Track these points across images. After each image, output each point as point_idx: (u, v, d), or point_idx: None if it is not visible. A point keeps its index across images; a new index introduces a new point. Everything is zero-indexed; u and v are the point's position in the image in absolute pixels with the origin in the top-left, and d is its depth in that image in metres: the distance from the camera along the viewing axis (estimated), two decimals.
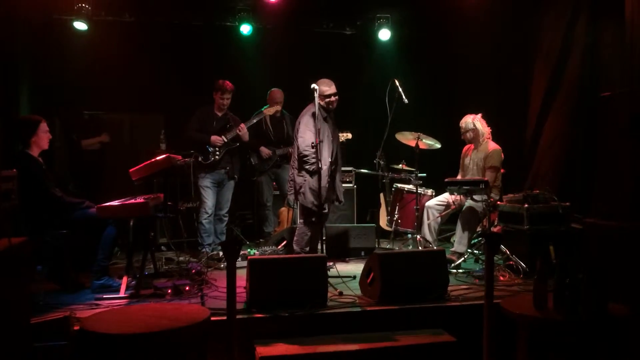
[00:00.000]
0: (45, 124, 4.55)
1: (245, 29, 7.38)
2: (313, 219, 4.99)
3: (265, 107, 6.19)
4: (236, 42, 7.55)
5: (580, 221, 4.68)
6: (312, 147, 4.81)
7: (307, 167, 4.92)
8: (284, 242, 5.87)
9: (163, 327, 2.84)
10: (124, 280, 4.34)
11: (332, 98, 5.04)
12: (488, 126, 5.72)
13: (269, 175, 6.55)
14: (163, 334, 2.81)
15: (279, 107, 6.32)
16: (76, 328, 3.32)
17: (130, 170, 4.63)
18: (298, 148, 4.98)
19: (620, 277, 3.57)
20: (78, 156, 6.34)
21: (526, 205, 4.93)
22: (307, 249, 5.10)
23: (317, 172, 4.78)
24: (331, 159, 4.98)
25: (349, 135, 6.31)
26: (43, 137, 4.52)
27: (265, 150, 6.42)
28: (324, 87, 4.99)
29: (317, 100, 4.84)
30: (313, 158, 4.82)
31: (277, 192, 6.65)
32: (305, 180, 4.94)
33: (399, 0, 7.29)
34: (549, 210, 4.97)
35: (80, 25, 6.78)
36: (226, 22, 7.45)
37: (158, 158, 4.71)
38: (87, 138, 6.38)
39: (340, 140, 6.01)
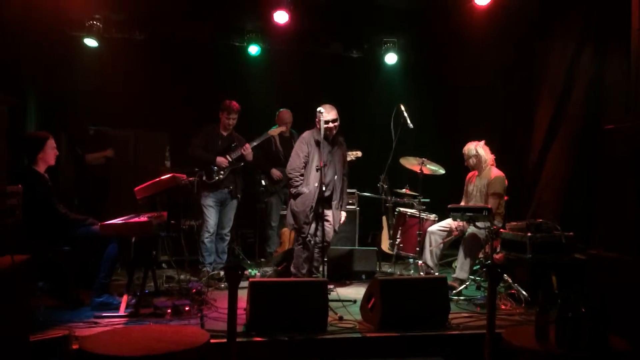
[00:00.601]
0: (52, 140, 4.58)
1: (254, 49, 7.46)
2: (300, 241, 5.14)
3: (274, 127, 6.22)
4: (244, 63, 7.62)
5: (584, 251, 4.66)
6: (297, 171, 5.07)
7: (291, 190, 5.16)
8: (285, 264, 5.86)
9: (163, 350, 2.82)
10: (124, 298, 4.34)
11: (330, 124, 5.05)
12: (492, 153, 5.74)
13: (279, 196, 6.55)
14: (162, 357, 2.79)
15: (284, 128, 6.35)
16: (75, 347, 3.31)
17: (135, 189, 4.65)
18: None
19: (622, 310, 3.55)
20: (83, 171, 6.37)
21: (529, 234, 4.92)
22: (304, 271, 5.11)
23: (299, 195, 5.04)
24: (319, 184, 4.96)
25: (359, 154, 6.32)
26: (50, 154, 4.55)
27: (276, 172, 6.43)
28: (322, 113, 5.03)
29: (322, 123, 4.89)
30: (296, 181, 5.08)
31: (285, 212, 6.64)
32: (290, 204, 5.15)
33: (406, 25, 7.36)
34: (552, 239, 4.95)
35: (90, 42, 6.86)
36: (235, 42, 7.53)
37: (163, 177, 4.73)
38: (93, 153, 6.41)
39: (350, 159, 6.07)
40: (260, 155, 6.30)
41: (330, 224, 5.16)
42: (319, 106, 5.01)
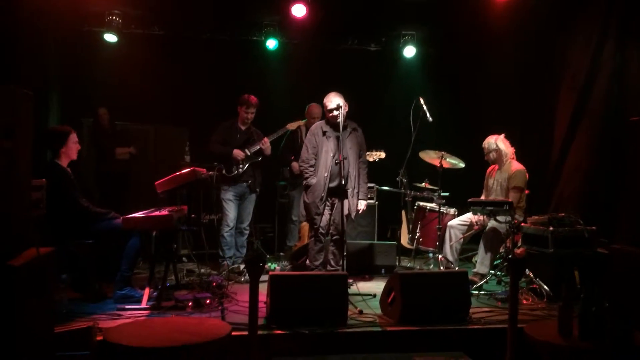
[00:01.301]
0: (74, 134, 4.64)
1: (271, 43, 7.46)
2: (313, 233, 5.18)
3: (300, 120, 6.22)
4: (262, 57, 7.63)
5: (607, 246, 4.60)
6: (307, 162, 5.15)
7: (303, 182, 5.24)
8: (304, 257, 5.86)
9: (185, 341, 2.85)
10: (146, 291, 4.39)
11: (334, 112, 5.01)
12: (512, 146, 5.68)
13: (300, 190, 6.54)
14: (184, 349, 2.81)
15: (302, 122, 6.34)
16: (99, 338, 3.35)
17: (156, 183, 4.69)
18: None
19: None
20: (104, 165, 6.45)
21: (551, 228, 4.86)
22: (317, 262, 5.14)
23: (309, 187, 5.12)
24: (328, 173, 5.03)
25: (382, 155, 6.24)
26: (72, 148, 4.60)
27: (296, 166, 6.41)
28: (326, 101, 5.08)
29: (342, 114, 4.89)
30: (306, 173, 5.16)
31: None
32: (304, 195, 5.23)
33: (425, 18, 7.29)
34: (574, 233, 4.88)
35: (110, 38, 6.92)
36: (252, 36, 7.54)
37: (183, 171, 4.76)
38: (121, 147, 6.52)
39: (372, 159, 6.05)
40: (286, 149, 6.30)
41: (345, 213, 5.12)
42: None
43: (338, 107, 4.96)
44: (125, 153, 6.59)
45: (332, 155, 5.07)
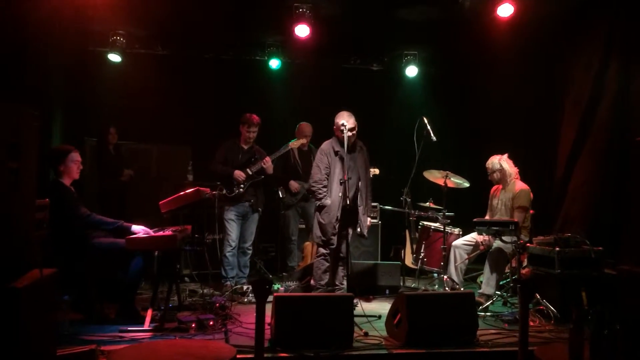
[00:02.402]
0: (76, 153, 4.59)
1: (274, 63, 7.50)
2: (322, 252, 5.11)
3: (293, 140, 6.21)
4: (265, 76, 7.68)
5: (614, 267, 4.55)
6: (320, 183, 5.05)
7: (315, 202, 5.15)
8: (308, 278, 5.81)
9: None
10: (149, 312, 4.33)
11: (349, 132, 4.99)
12: (515, 166, 5.66)
13: (296, 209, 6.52)
14: None
15: (304, 141, 6.34)
16: None
17: (160, 202, 4.66)
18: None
19: None
20: (111, 185, 6.42)
21: (557, 249, 4.82)
22: (323, 282, 5.08)
23: (324, 207, 5.02)
24: (348, 194, 4.93)
25: (376, 171, 6.29)
26: (72, 167, 4.55)
27: (294, 185, 6.41)
28: (338, 120, 5.06)
29: (346, 134, 4.89)
30: (320, 193, 5.06)
31: (303, 226, 6.62)
32: (315, 217, 5.12)
33: (427, 38, 7.33)
34: (581, 254, 4.84)
35: (114, 58, 6.95)
36: (256, 56, 7.59)
37: (187, 191, 4.74)
38: (111, 173, 6.50)
39: None
40: (278, 167, 6.30)
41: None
42: (337, 115, 5.06)
43: (349, 128, 4.97)
44: (128, 175, 6.59)
45: (343, 175, 5.02)
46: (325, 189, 5.08)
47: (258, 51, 7.56)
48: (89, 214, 4.48)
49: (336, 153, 5.09)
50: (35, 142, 2.95)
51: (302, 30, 6.54)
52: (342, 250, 5.12)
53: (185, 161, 6.85)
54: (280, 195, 6.56)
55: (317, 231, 5.10)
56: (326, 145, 5.20)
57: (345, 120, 4.98)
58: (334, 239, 5.03)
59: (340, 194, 4.99)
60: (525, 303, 3.14)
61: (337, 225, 5.01)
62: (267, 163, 5.88)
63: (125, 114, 6.99)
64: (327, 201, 5.04)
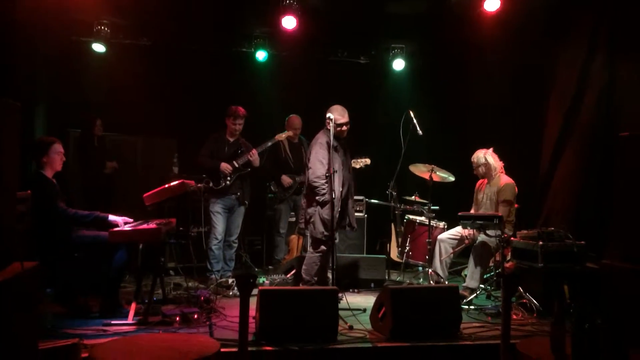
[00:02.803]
0: (59, 145, 4.54)
1: (261, 55, 7.46)
2: (323, 249, 4.98)
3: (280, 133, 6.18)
4: (251, 68, 7.63)
5: (596, 261, 4.61)
6: (323, 178, 4.84)
7: (317, 197, 4.92)
8: (294, 271, 5.82)
9: (174, 359, 2.78)
10: (133, 306, 4.30)
11: (344, 127, 5.04)
12: (500, 160, 5.69)
13: (288, 203, 6.50)
14: None
15: (291, 133, 6.32)
16: (84, 355, 3.27)
17: (144, 195, 4.63)
18: (308, 178, 4.98)
19: (637, 322, 3.49)
20: (94, 176, 6.36)
21: (540, 243, 4.86)
22: (316, 278, 5.06)
23: (327, 203, 4.82)
24: (342, 188, 4.98)
25: (367, 161, 6.26)
26: (55, 158, 4.49)
27: (286, 179, 6.38)
28: (337, 115, 4.99)
29: (332, 129, 4.85)
30: (323, 189, 4.85)
31: (293, 219, 6.60)
32: (315, 211, 4.94)
33: (414, 31, 7.34)
34: (563, 248, 4.89)
35: (98, 48, 6.87)
36: (242, 48, 7.54)
37: (172, 184, 4.71)
38: (94, 165, 6.43)
39: (359, 166, 6.05)
40: (270, 161, 6.28)
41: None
42: (329, 108, 5.01)
43: (348, 122, 4.99)
44: (112, 167, 6.53)
45: (342, 169, 5.04)
46: (327, 185, 4.89)
47: (245, 43, 7.51)
48: (65, 209, 4.41)
49: (335, 148, 4.99)
50: (17, 133, 2.90)
51: (289, 22, 6.51)
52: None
53: (170, 153, 6.80)
54: (273, 190, 6.54)
55: (320, 227, 4.89)
56: (323, 137, 5.01)
57: (343, 117, 4.99)
58: (336, 233, 5.01)
59: (341, 189, 4.99)
60: (508, 296, 3.16)
61: (337, 219, 4.96)
62: (254, 156, 5.86)
63: (109, 105, 6.91)
64: (331, 196, 4.86)
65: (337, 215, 4.93)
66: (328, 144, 4.87)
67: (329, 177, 4.78)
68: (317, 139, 5.07)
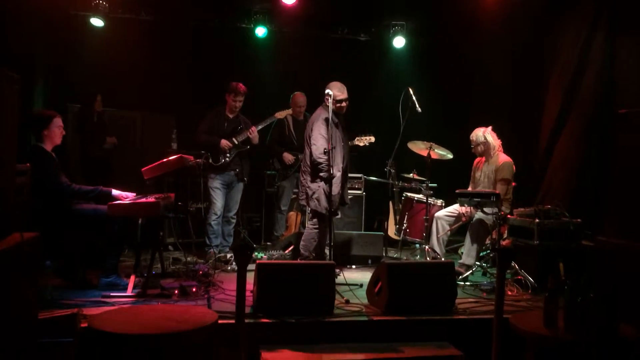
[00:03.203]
0: (59, 119, 4.55)
1: (261, 31, 7.41)
2: (323, 224, 5.01)
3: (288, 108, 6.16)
4: (251, 44, 7.58)
5: (591, 238, 4.64)
6: (325, 154, 4.82)
7: (322, 174, 4.91)
8: (292, 247, 5.86)
9: (171, 329, 2.83)
10: (132, 278, 4.35)
11: (344, 103, 5.03)
12: (499, 138, 5.69)
13: (291, 180, 6.51)
14: (171, 336, 2.80)
15: (290, 111, 6.31)
16: (83, 325, 3.32)
17: (143, 169, 4.64)
18: (311, 155, 4.97)
19: (631, 297, 3.54)
20: (94, 152, 6.37)
21: (537, 220, 4.89)
22: (314, 254, 5.10)
23: (330, 179, 4.79)
24: (343, 164, 5.00)
25: (372, 139, 6.22)
26: (56, 132, 4.51)
27: (288, 157, 6.38)
28: (336, 92, 4.97)
29: (331, 106, 4.84)
30: (326, 165, 4.82)
31: (295, 196, 6.59)
32: (319, 187, 4.93)
33: (415, 9, 7.29)
34: (559, 226, 4.93)
35: (97, 22, 6.83)
36: (242, 24, 7.49)
37: (171, 158, 4.72)
38: (94, 141, 6.43)
39: (363, 144, 6.06)
40: (273, 138, 6.28)
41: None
42: (328, 85, 4.97)
43: (347, 99, 4.98)
44: (111, 143, 6.52)
45: (342, 145, 5.05)
46: (328, 161, 4.85)
47: (244, 19, 7.45)
48: (69, 185, 4.43)
49: (336, 125, 5.00)
50: (15, 105, 2.91)
51: None
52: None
53: (169, 129, 6.80)
54: (275, 167, 6.55)
55: (323, 202, 4.88)
56: (324, 114, 4.97)
57: (342, 93, 4.98)
58: (341, 208, 5.07)
59: (343, 165, 5.01)
60: (502, 270, 3.20)
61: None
62: (253, 133, 5.86)
63: (108, 81, 6.86)
64: (336, 172, 4.87)
65: (340, 192, 4.97)
66: (327, 120, 4.87)
67: (329, 153, 4.79)
68: (318, 115, 5.05)
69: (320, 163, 4.88)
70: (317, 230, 5.05)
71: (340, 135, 5.06)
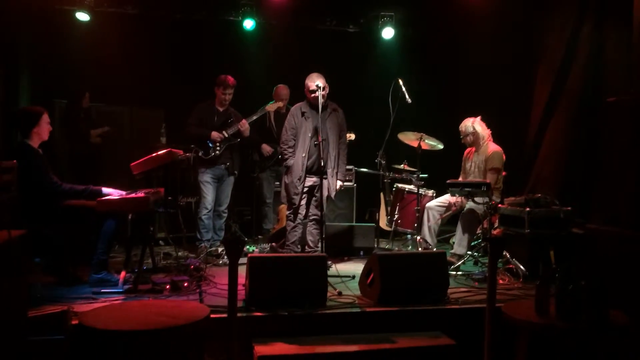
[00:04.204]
0: (47, 115, 4.50)
1: (249, 24, 7.35)
2: (292, 215, 5.18)
3: (270, 102, 6.13)
4: (239, 37, 7.52)
5: (582, 226, 4.67)
6: (286, 144, 5.15)
7: (284, 163, 5.22)
8: (282, 240, 5.84)
9: (163, 324, 2.81)
10: (122, 274, 4.32)
11: (316, 94, 4.98)
12: (488, 128, 5.70)
13: (269, 172, 6.51)
14: (163, 332, 2.78)
15: (281, 104, 6.28)
16: (74, 322, 3.29)
17: (131, 164, 4.60)
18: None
19: (621, 284, 3.56)
20: (82, 147, 6.31)
21: (527, 209, 4.91)
22: (292, 240, 5.21)
23: (288, 168, 5.14)
24: (306, 154, 5.05)
25: (352, 136, 6.24)
26: (45, 128, 4.46)
27: (266, 148, 6.38)
28: (308, 82, 5.06)
29: (320, 95, 4.87)
30: (286, 154, 5.17)
31: (279, 189, 6.60)
32: (284, 179, 5.21)
33: None
34: (550, 214, 4.94)
35: (82, 16, 6.75)
36: (229, 16, 7.42)
37: (159, 152, 4.68)
38: (94, 129, 6.38)
39: None
40: (253, 130, 6.25)
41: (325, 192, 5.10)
42: (307, 77, 5.09)
43: (318, 88, 4.93)
44: (100, 133, 6.45)
45: (310, 136, 5.06)
46: (291, 150, 5.16)
47: (232, 11, 7.39)
48: (60, 184, 4.39)
49: (303, 114, 5.12)
50: None
51: None
52: (317, 212, 5.15)
53: (157, 123, 6.75)
54: (254, 159, 6.53)
55: (282, 191, 5.28)
56: (295, 107, 5.24)
57: (319, 82, 4.96)
58: (296, 198, 5.09)
59: (303, 155, 5.05)
60: (494, 260, 3.20)
61: (301, 185, 5.07)
62: (244, 126, 5.83)
63: (95, 76, 6.80)
64: (291, 161, 5.13)
65: (300, 180, 5.06)
66: (292, 112, 5.20)
67: (319, 145, 4.81)
68: (291, 108, 5.31)
69: (282, 153, 5.26)
70: (291, 223, 5.18)
71: (311, 127, 5.07)
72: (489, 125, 5.71)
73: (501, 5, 6.48)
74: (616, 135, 3.85)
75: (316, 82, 4.98)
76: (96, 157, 6.52)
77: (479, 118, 5.68)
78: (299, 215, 5.17)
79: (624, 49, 5.03)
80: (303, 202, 5.17)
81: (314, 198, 5.20)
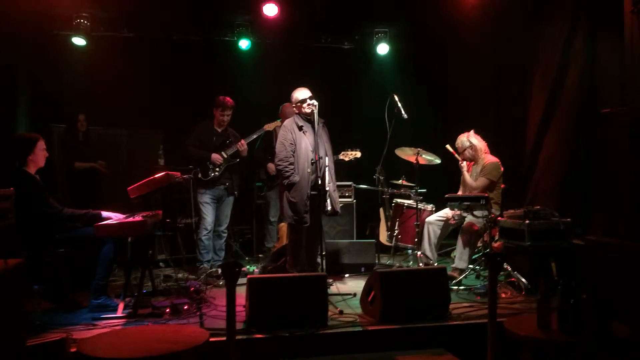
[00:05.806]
0: (42, 141, 4.50)
1: (244, 44, 7.41)
2: (295, 235, 5.02)
3: (274, 121, 6.13)
4: (235, 57, 7.58)
5: (581, 237, 4.65)
6: (286, 161, 4.93)
7: (284, 181, 5.00)
8: (284, 259, 5.82)
9: (163, 351, 2.78)
10: (121, 305, 4.28)
11: (305, 105, 5.00)
12: (483, 140, 5.70)
13: (276, 191, 6.48)
14: (162, 358, 2.75)
15: (278, 123, 6.27)
16: (73, 350, 3.27)
17: (129, 188, 4.60)
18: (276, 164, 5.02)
19: (621, 296, 3.54)
20: (74, 174, 6.30)
21: (527, 221, 4.89)
22: (299, 267, 5.06)
23: (292, 185, 4.90)
24: (310, 170, 4.94)
25: (358, 154, 6.15)
26: (40, 155, 4.46)
27: (272, 167, 6.35)
28: (296, 95, 5.03)
29: (316, 115, 4.88)
30: (287, 171, 4.94)
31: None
32: (285, 196, 4.99)
33: (398, 15, 7.30)
34: (550, 226, 4.92)
35: (78, 41, 6.80)
36: (225, 37, 7.48)
37: (156, 176, 4.68)
38: (81, 160, 6.33)
39: (348, 159, 6.01)
40: (261, 149, 6.25)
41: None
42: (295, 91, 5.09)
43: (310, 98, 4.94)
44: (87, 167, 6.39)
45: (311, 150, 4.95)
46: (292, 167, 4.97)
47: (227, 32, 7.44)
48: (61, 209, 4.39)
49: (300, 128, 5.02)
50: None
51: (270, 10, 6.48)
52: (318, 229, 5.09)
53: (155, 145, 6.76)
54: (261, 177, 6.53)
55: (288, 211, 4.97)
56: (289, 122, 5.11)
57: (301, 94, 4.99)
58: (307, 216, 4.94)
59: (308, 170, 4.94)
60: (494, 275, 3.17)
61: (309, 202, 4.93)
62: (243, 146, 5.83)
63: (93, 99, 6.83)
64: (296, 178, 4.93)
65: (308, 198, 4.91)
66: (287, 126, 5.02)
67: (317, 163, 4.79)
68: (284, 123, 5.15)
69: (280, 170, 4.99)
70: (293, 243, 5.02)
71: (308, 140, 4.99)
72: (487, 138, 5.71)
73: (495, 18, 6.51)
74: (611, 146, 3.85)
75: (305, 93, 4.99)
76: (95, 180, 6.51)
77: (472, 131, 5.68)
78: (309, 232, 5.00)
79: (616, 60, 5.06)
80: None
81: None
